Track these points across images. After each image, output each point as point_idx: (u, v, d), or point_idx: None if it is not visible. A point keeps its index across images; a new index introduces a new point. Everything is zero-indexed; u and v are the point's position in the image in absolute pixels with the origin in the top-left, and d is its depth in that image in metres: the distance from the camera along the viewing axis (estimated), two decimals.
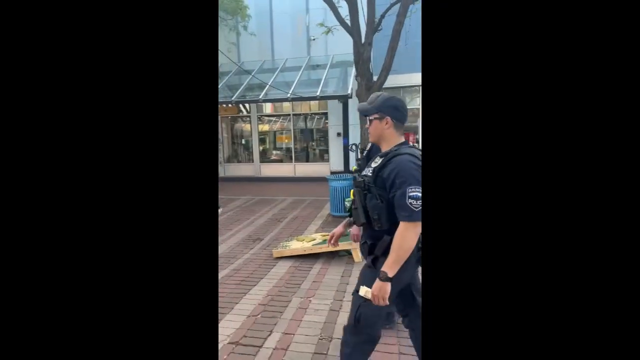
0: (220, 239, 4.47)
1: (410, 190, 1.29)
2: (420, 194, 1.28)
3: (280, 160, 10.49)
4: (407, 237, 1.30)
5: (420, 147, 1.69)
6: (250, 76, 9.13)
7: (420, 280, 1.56)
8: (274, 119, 10.66)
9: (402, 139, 1.47)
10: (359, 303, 1.44)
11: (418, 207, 1.28)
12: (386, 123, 1.44)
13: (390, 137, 1.46)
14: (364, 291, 1.40)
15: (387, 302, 1.34)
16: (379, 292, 1.33)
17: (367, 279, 1.43)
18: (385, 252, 1.36)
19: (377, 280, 1.33)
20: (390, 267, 1.32)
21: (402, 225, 1.30)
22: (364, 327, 1.45)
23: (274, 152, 10.61)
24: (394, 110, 1.45)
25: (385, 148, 1.47)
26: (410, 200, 1.28)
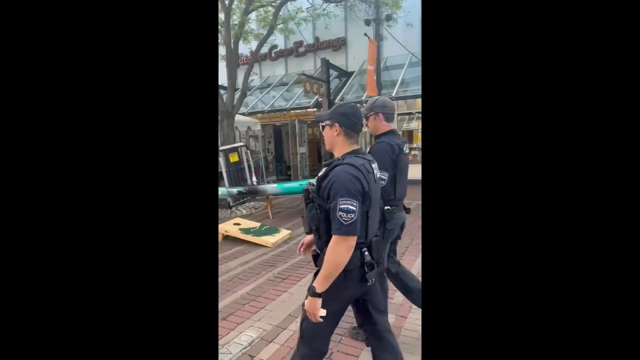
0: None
1: (341, 202, 1.22)
2: (351, 207, 1.21)
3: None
4: (335, 251, 1.23)
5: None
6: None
7: (381, 299, 1.50)
8: (406, 117, 9.93)
9: (354, 147, 1.40)
10: (304, 316, 1.38)
11: (347, 221, 1.20)
12: (336, 130, 1.38)
13: (341, 145, 1.39)
14: (306, 301, 1.36)
15: (319, 319, 1.28)
16: (308, 307, 1.28)
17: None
18: None
19: (308, 294, 1.28)
20: (319, 282, 1.26)
21: (333, 239, 1.24)
22: (308, 340, 1.40)
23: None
24: (343, 117, 1.37)
25: (336, 156, 1.40)
26: (340, 213, 1.21)
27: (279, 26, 8.00)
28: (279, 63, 11.99)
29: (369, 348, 1.53)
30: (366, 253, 1.32)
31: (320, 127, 1.47)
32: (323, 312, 1.28)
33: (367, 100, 2.11)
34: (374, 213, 1.37)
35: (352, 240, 1.23)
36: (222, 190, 5.91)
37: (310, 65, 11.19)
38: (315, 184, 1.37)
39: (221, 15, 6.69)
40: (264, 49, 9.71)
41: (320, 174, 1.38)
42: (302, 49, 11.29)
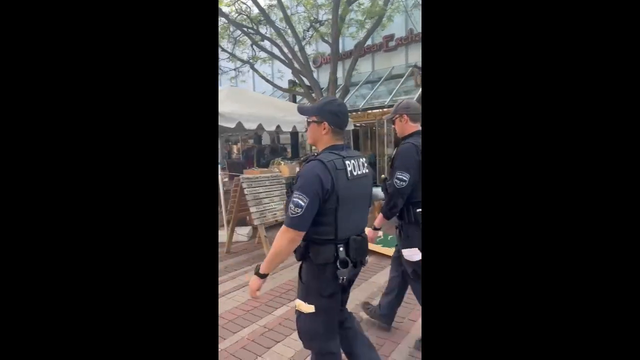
0: None
1: (294, 195, 1.27)
2: (301, 202, 1.25)
3: None
4: (277, 239, 1.29)
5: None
6: None
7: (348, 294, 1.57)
8: None
9: (339, 142, 1.41)
10: (297, 316, 1.44)
11: (294, 214, 1.25)
12: (324, 128, 1.38)
13: (326, 142, 1.40)
14: (297, 304, 1.42)
15: (256, 294, 1.36)
16: (250, 284, 1.36)
17: (299, 290, 1.44)
18: (302, 257, 1.38)
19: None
20: (264, 264, 1.33)
21: (281, 227, 1.30)
22: (306, 341, 1.45)
23: None
24: (333, 116, 1.38)
25: (318, 150, 1.43)
26: (291, 205, 1.26)
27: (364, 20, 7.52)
28: (366, 59, 11.42)
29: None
30: (341, 249, 1.33)
31: (306, 121, 1.45)
32: (311, 308, 1.35)
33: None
34: (348, 212, 1.34)
35: (294, 234, 1.27)
36: None
37: (400, 60, 10.45)
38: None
39: (326, 10, 6.34)
40: (349, 46, 9.25)
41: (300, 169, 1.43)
42: (392, 43, 10.58)
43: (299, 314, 1.42)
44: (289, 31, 8.04)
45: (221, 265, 3.83)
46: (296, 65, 6.95)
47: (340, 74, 11.32)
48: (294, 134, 10.12)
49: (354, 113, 9.71)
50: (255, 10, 8.25)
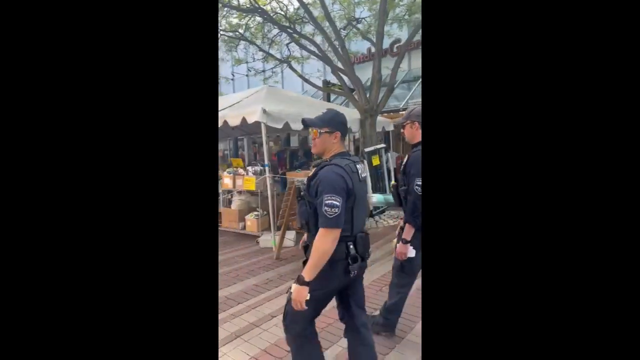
0: None
1: (326, 198, 1.35)
2: (335, 202, 1.34)
3: None
4: (321, 242, 1.36)
5: None
6: None
7: (362, 296, 1.64)
8: None
9: (342, 150, 1.54)
10: (287, 300, 1.51)
11: (332, 214, 1.34)
12: (335, 137, 1.52)
13: (335, 150, 1.52)
14: (292, 288, 1.45)
15: (304, 306, 1.39)
16: (296, 295, 1.38)
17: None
18: None
19: (295, 283, 1.39)
20: (307, 271, 1.37)
21: (319, 231, 1.37)
22: (288, 323, 1.54)
23: None
24: (343, 126, 1.54)
25: (326, 158, 1.52)
26: (325, 208, 1.35)
27: (404, 17, 7.16)
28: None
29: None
30: (351, 246, 1.45)
31: (318, 133, 1.53)
32: (307, 296, 1.39)
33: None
34: (359, 210, 1.49)
35: (336, 233, 1.37)
36: (378, 198, 5.22)
37: None
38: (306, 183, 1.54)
39: (364, 8, 6.06)
40: (385, 44, 8.92)
41: (310, 174, 1.52)
42: None
43: (291, 297, 1.47)
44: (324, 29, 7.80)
45: (274, 273, 3.61)
46: (338, 63, 6.70)
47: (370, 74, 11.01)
48: None
49: (391, 113, 9.37)
50: (290, 9, 8.08)
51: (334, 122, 1.52)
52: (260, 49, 8.01)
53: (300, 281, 1.37)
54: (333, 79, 10.12)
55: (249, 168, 5.15)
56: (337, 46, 6.56)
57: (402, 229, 2.08)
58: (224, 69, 14.59)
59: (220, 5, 7.42)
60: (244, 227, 5.28)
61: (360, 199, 1.47)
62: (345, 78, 6.82)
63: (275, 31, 8.42)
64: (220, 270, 3.70)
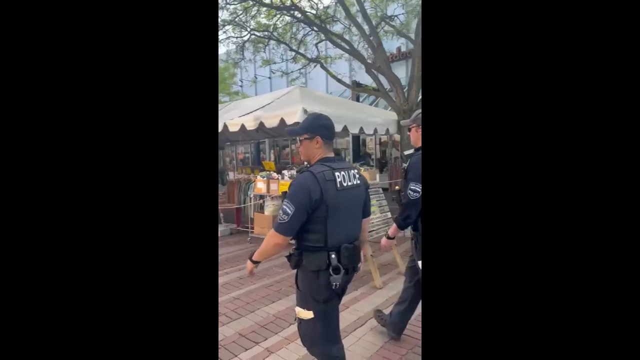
0: None
1: (284, 202, 1.36)
2: (288, 210, 1.34)
3: None
4: (267, 240, 1.42)
5: None
6: None
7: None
8: None
9: (330, 154, 1.48)
10: (298, 323, 1.52)
11: (281, 220, 1.35)
12: (317, 142, 1.45)
13: (319, 154, 1.46)
14: (296, 311, 1.50)
15: (254, 273, 1.54)
16: (247, 267, 1.53)
17: (297, 297, 1.51)
18: (297, 265, 1.44)
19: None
20: (257, 253, 1.49)
21: (270, 231, 1.42)
22: (309, 346, 1.53)
23: None
24: (324, 129, 1.46)
25: (312, 163, 1.49)
26: (279, 211, 1.37)
27: None
28: None
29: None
30: (333, 256, 1.39)
31: (298, 140, 1.50)
32: (309, 314, 1.43)
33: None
34: (338, 220, 1.40)
35: (280, 238, 1.37)
36: None
37: None
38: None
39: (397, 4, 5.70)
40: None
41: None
42: None
43: (300, 320, 1.50)
44: (354, 29, 7.49)
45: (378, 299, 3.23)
46: (377, 62, 6.37)
47: (403, 73, 10.60)
48: (356, 138, 9.58)
49: None
50: (320, 8, 7.82)
51: (313, 127, 1.46)
52: (291, 49, 7.77)
53: (249, 257, 1.51)
54: (361, 80, 9.81)
55: (285, 172, 4.87)
56: (374, 43, 6.24)
57: (411, 239, 2.16)
58: (251, 70, 14.51)
59: (250, 3, 7.24)
60: None
61: (338, 209, 1.39)
62: (379, 77, 6.49)
63: (303, 31, 8.19)
64: (259, 284, 3.43)
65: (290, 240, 1.42)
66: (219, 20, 7.32)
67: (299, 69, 9.03)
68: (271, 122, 4.42)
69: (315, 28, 7.29)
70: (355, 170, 1.50)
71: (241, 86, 16.67)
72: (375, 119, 5.45)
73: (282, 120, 4.26)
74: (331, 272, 1.37)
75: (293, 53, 8.25)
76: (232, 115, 5.29)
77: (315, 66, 8.46)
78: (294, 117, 4.04)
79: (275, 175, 5.27)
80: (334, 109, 4.82)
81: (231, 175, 8.08)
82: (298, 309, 1.47)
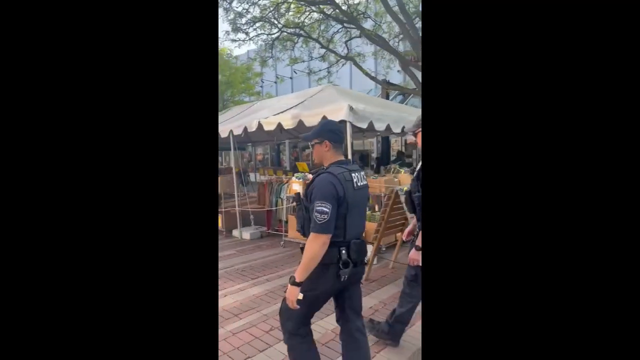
0: None
1: (317, 204, 1.42)
2: (325, 209, 1.40)
3: None
4: (311, 246, 1.43)
5: None
6: None
7: (360, 302, 1.70)
8: None
9: (339, 158, 1.59)
10: (283, 297, 1.57)
11: (321, 220, 1.40)
12: (325, 146, 1.57)
13: (329, 158, 1.58)
14: (288, 287, 1.51)
15: (296, 305, 1.47)
16: (288, 294, 1.49)
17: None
18: None
19: (289, 283, 1.50)
20: (298, 272, 1.46)
21: (310, 236, 1.45)
22: (283, 320, 1.62)
23: None
24: (332, 134, 1.58)
25: (325, 166, 1.59)
26: (315, 214, 1.41)
27: None
28: None
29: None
30: (343, 252, 1.49)
31: (310, 145, 1.66)
32: (300, 296, 1.47)
33: None
34: (353, 217, 1.51)
35: (325, 238, 1.43)
36: None
37: None
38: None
39: None
40: None
41: (309, 182, 1.59)
42: None
43: (286, 297, 1.55)
44: (384, 26, 7.22)
45: (374, 300, 3.00)
46: (417, 57, 6.07)
47: None
48: (385, 139, 9.27)
49: None
50: (352, 4, 7.56)
51: (321, 132, 1.58)
52: (322, 46, 7.54)
53: (291, 281, 1.47)
54: (389, 78, 9.51)
55: None
56: (414, 38, 5.94)
57: (415, 235, 2.11)
58: (271, 71, 14.37)
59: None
60: None
61: (354, 207, 1.51)
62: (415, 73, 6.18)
63: (333, 29, 7.94)
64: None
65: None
66: (249, 17, 7.16)
67: (326, 68, 8.78)
68: (312, 120, 4.18)
69: (346, 25, 7.04)
70: (362, 172, 1.62)
71: (261, 86, 16.56)
72: (413, 118, 5.15)
73: (325, 119, 4.01)
74: (341, 266, 1.48)
75: (321, 51, 8.02)
76: (261, 115, 5.09)
77: (343, 64, 8.21)
78: (339, 114, 3.79)
79: (310, 176, 5.02)
80: (373, 107, 4.55)
81: (251, 177, 7.90)
82: (291, 287, 1.49)
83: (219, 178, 5.90)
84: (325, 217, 1.39)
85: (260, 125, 4.78)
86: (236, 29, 7.14)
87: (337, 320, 1.71)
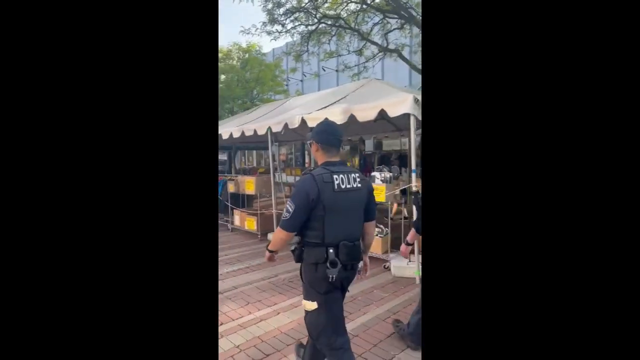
0: None
1: (287, 201, 1.51)
2: (289, 208, 1.48)
3: None
4: (274, 235, 1.58)
5: None
6: None
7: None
8: None
9: (332, 159, 1.59)
10: (304, 315, 1.61)
11: (284, 217, 1.50)
12: (314, 147, 1.62)
13: (320, 158, 1.61)
14: (303, 304, 1.59)
15: (270, 260, 1.68)
16: (265, 257, 1.70)
17: (303, 290, 1.61)
18: (299, 259, 1.57)
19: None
20: (271, 244, 1.64)
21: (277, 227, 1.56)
22: (315, 337, 1.60)
23: None
24: (319, 135, 1.61)
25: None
26: (284, 210, 1.51)
27: None
28: None
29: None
30: (331, 251, 1.49)
31: (308, 145, 1.72)
32: (314, 305, 1.53)
33: None
34: (336, 219, 1.50)
35: (284, 234, 1.52)
36: None
37: None
38: None
39: None
40: None
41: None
42: None
43: (306, 312, 1.58)
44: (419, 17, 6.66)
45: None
46: None
47: None
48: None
49: None
50: None
51: (313, 133, 1.63)
52: (363, 37, 7.09)
53: (266, 247, 1.65)
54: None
55: (376, 174, 4.16)
56: None
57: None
58: (311, 65, 13.96)
59: None
60: None
61: (335, 210, 1.49)
62: None
63: (372, 21, 7.48)
64: (347, 305, 2.73)
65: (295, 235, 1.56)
66: (286, 8, 6.79)
67: (363, 63, 8.31)
68: (366, 115, 3.75)
69: (388, 15, 6.56)
70: (357, 174, 1.59)
71: (287, 84, 16.24)
72: None
73: (383, 112, 3.57)
74: (328, 266, 1.48)
75: (356, 46, 7.57)
76: (296, 113, 4.73)
77: (379, 59, 7.73)
78: (402, 107, 3.34)
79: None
80: None
81: (276, 177, 7.56)
82: (304, 302, 1.57)
83: (254, 178, 5.59)
84: (287, 215, 1.48)
85: (303, 121, 4.39)
86: (273, 20, 6.81)
87: None
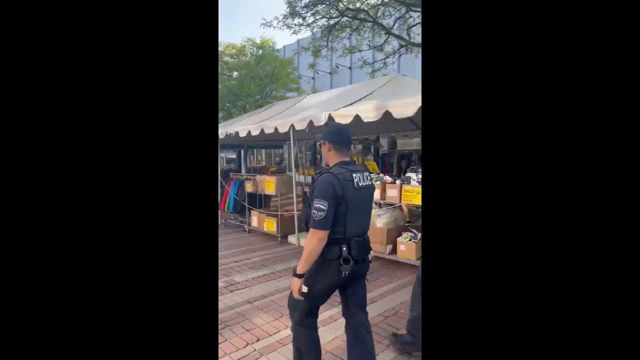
0: None
1: (315, 202, 1.49)
2: (322, 206, 1.48)
3: None
4: (309, 240, 1.52)
5: None
6: None
7: (364, 297, 1.74)
8: None
9: (344, 159, 1.65)
10: (290, 292, 1.68)
11: (318, 217, 1.48)
12: (327, 147, 1.67)
13: (332, 158, 1.66)
14: (294, 281, 1.60)
15: (299, 296, 1.58)
16: (292, 286, 1.61)
17: (306, 274, 1.60)
18: None
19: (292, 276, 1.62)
20: (299, 264, 1.55)
21: (309, 231, 1.53)
22: (291, 311, 1.71)
23: None
24: (332, 135, 1.66)
25: (330, 166, 1.68)
26: (314, 211, 1.49)
27: None
28: None
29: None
30: (344, 249, 1.55)
31: (318, 145, 1.87)
32: (304, 289, 1.57)
33: None
34: (354, 216, 1.56)
35: (322, 233, 1.50)
36: None
37: None
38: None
39: None
40: None
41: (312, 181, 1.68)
42: None
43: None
44: None
45: None
46: None
47: None
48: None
49: None
50: None
51: (325, 134, 1.67)
52: (387, 31, 6.81)
53: (293, 273, 1.58)
54: None
55: (411, 175, 3.89)
56: None
57: None
58: (331, 60, 13.68)
59: None
60: (393, 251, 4.06)
61: (354, 206, 1.55)
62: None
63: (393, 16, 7.19)
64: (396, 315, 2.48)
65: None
66: (307, 1, 6.53)
67: (383, 59, 8.03)
68: (403, 112, 3.49)
69: (413, 8, 6.28)
70: (367, 173, 1.69)
71: (301, 81, 15.99)
72: None
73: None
74: (342, 263, 1.53)
75: (376, 41, 7.29)
76: (316, 112, 4.49)
77: (400, 55, 7.45)
78: None
79: (388, 178, 4.33)
80: None
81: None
82: (296, 280, 1.57)
83: (274, 178, 5.37)
84: (322, 214, 1.47)
85: (330, 118, 4.15)
86: (293, 13, 6.57)
87: (343, 315, 1.76)
